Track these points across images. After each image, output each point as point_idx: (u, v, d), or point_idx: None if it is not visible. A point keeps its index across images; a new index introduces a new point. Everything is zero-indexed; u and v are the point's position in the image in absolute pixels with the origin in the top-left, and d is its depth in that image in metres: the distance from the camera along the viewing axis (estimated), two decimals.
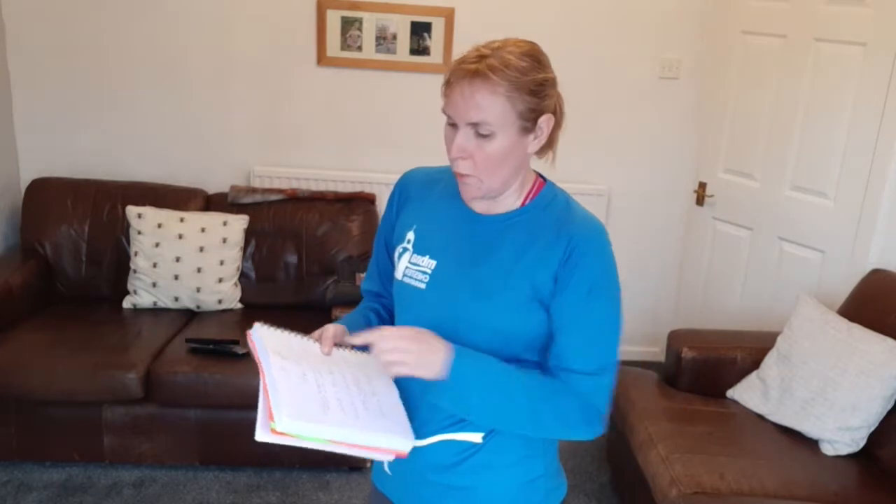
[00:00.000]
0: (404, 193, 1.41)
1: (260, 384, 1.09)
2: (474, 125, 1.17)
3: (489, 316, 1.24)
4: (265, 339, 1.17)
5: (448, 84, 1.18)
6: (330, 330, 1.27)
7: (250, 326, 1.23)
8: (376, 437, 1.10)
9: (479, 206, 1.29)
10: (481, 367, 1.19)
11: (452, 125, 1.21)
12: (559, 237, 1.23)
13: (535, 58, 1.19)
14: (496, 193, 1.25)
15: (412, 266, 1.32)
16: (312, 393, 1.10)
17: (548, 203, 1.28)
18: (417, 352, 1.14)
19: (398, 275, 1.34)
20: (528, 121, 1.19)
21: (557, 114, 1.24)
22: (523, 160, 1.25)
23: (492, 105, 1.15)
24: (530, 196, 1.29)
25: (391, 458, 1.18)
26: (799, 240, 3.05)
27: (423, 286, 1.29)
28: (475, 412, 1.22)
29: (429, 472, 1.32)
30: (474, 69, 1.15)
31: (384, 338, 1.14)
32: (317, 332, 1.29)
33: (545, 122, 1.22)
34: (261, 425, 1.06)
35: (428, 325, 1.27)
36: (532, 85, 1.17)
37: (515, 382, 1.20)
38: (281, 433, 1.02)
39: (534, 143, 1.23)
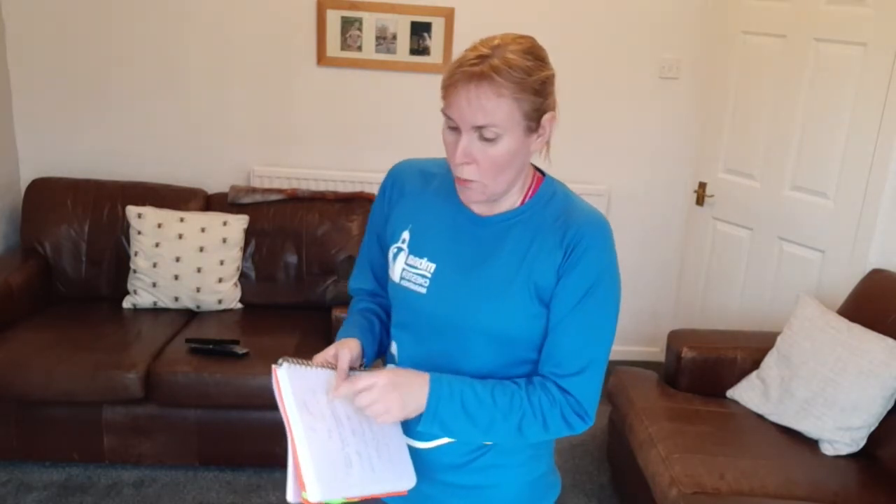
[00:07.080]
0: (397, 187, 1.36)
1: (288, 441, 1.12)
2: (479, 129, 1.13)
3: (494, 320, 1.22)
4: (292, 383, 1.14)
5: (449, 87, 1.13)
6: (345, 360, 1.22)
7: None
8: (387, 485, 1.19)
9: (479, 207, 1.26)
10: (456, 393, 1.18)
11: (453, 129, 1.16)
12: (560, 234, 1.20)
13: (536, 55, 1.15)
14: (498, 197, 1.22)
15: (409, 268, 1.28)
16: (337, 451, 1.14)
17: (548, 199, 1.26)
18: (399, 397, 1.15)
19: (394, 277, 1.31)
20: (533, 120, 1.16)
21: (556, 110, 1.21)
22: (526, 160, 1.21)
23: (498, 107, 1.11)
24: (530, 193, 1.26)
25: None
26: (799, 240, 3.05)
27: (423, 290, 1.26)
28: (456, 435, 1.22)
29: (437, 471, 1.31)
30: (479, 71, 1.10)
31: (361, 397, 1.14)
32: (330, 352, 1.24)
33: (548, 120, 1.18)
34: (292, 489, 1.12)
35: (431, 331, 1.26)
36: (536, 84, 1.13)
37: (491, 403, 1.19)
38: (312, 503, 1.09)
39: (537, 141, 1.19)
